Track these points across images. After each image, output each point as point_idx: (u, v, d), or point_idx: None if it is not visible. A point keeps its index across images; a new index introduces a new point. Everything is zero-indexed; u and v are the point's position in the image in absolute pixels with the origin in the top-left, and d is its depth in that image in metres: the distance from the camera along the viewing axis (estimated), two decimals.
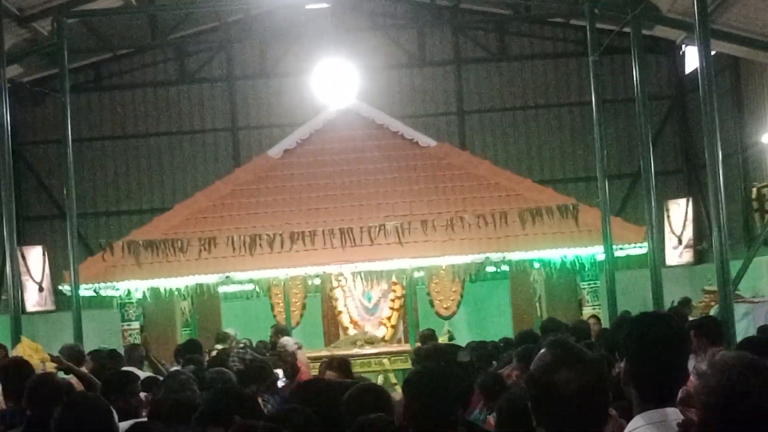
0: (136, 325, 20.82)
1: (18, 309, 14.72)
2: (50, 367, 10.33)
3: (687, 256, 26.96)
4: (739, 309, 15.25)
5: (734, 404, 3.27)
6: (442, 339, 17.87)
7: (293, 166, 22.15)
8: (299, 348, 16.76)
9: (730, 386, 3.28)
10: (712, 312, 18.08)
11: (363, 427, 5.19)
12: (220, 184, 22.55)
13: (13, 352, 12.57)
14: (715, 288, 16.40)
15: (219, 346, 17.84)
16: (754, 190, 23.86)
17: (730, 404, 3.27)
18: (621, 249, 19.49)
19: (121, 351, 19.25)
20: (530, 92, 29.16)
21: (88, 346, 17.62)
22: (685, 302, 18.29)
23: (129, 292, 20.43)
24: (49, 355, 11.08)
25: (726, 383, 3.29)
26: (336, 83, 24.37)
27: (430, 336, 15.46)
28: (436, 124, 28.13)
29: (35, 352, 11.88)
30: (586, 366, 3.53)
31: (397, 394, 17.06)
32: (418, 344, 17.21)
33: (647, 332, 4.06)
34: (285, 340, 16.45)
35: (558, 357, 3.58)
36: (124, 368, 10.17)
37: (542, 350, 3.64)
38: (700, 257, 26.92)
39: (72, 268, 17.20)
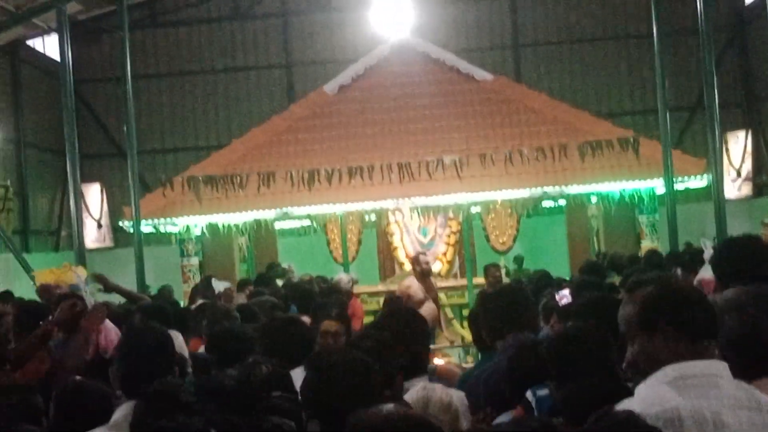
0: (195, 261, 20.98)
1: (82, 245, 14.84)
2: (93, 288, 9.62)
3: (746, 189, 26.78)
4: None
5: None
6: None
7: (349, 102, 22.09)
8: (355, 283, 16.87)
9: None
10: None
11: None
12: (277, 120, 22.55)
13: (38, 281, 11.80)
14: None
15: (278, 281, 17.96)
16: None
17: None
18: (681, 182, 19.32)
19: (181, 288, 19.56)
20: (586, 24, 28.88)
21: (148, 282, 17.86)
22: None
23: (188, 228, 20.55)
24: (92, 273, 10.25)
25: None
26: (391, 17, 24.22)
27: (493, 268, 15.49)
28: (492, 58, 27.95)
29: (63, 272, 11.30)
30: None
31: (455, 329, 17.11)
32: (478, 278, 17.31)
33: None
34: (340, 275, 16.55)
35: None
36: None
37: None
38: (759, 190, 26.70)
39: (133, 204, 17.31)
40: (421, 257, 14.34)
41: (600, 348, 4.45)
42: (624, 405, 3.50)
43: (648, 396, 3.35)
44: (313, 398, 4.20)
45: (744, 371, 3.80)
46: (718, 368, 3.50)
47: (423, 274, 13.82)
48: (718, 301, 3.97)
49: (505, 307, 5.75)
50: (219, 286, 13.88)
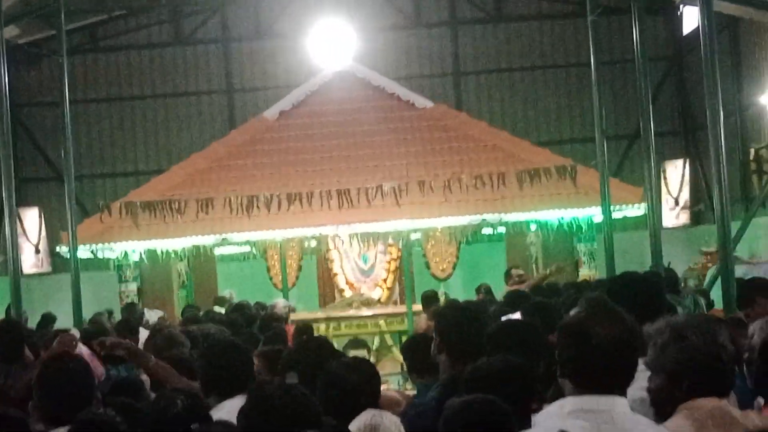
0: (133, 286, 20.88)
1: (17, 271, 14.67)
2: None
3: (683, 218, 27.04)
4: (737, 270, 15.26)
5: None
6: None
7: (289, 128, 22.08)
8: (291, 311, 16.85)
9: None
10: (709, 273, 18.12)
11: None
12: (217, 146, 22.49)
13: None
14: (711, 249, 16.46)
15: (218, 309, 17.89)
16: (752, 151, 23.88)
17: None
18: (618, 210, 19.48)
19: (118, 313, 19.39)
20: (527, 53, 29.08)
21: (86, 309, 17.72)
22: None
23: (126, 254, 20.40)
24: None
25: None
26: (332, 45, 24.30)
27: (433, 296, 15.49)
28: (432, 86, 28.03)
29: None
30: (621, 321, 3.59)
31: (394, 356, 17.07)
32: (416, 306, 17.33)
33: None
34: (276, 301, 16.54)
35: (594, 311, 3.65)
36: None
37: (578, 306, 3.73)
38: (696, 219, 26.98)
39: (70, 230, 17.16)
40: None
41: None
42: None
43: (552, 427, 3.38)
44: (248, 428, 4.18)
45: (691, 388, 3.93)
46: (614, 403, 3.54)
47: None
48: (661, 329, 4.08)
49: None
50: (152, 315, 13.76)
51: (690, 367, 4.01)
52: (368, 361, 5.73)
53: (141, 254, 20.33)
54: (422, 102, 22.55)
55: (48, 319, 17.34)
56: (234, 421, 4.68)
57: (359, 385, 5.19)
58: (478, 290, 17.05)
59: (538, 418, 3.68)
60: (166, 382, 6.61)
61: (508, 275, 16.60)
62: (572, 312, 3.69)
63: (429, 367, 6.31)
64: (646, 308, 4.62)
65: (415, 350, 6.62)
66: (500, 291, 17.13)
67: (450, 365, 5.36)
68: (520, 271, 16.58)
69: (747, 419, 3.90)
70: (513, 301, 9.91)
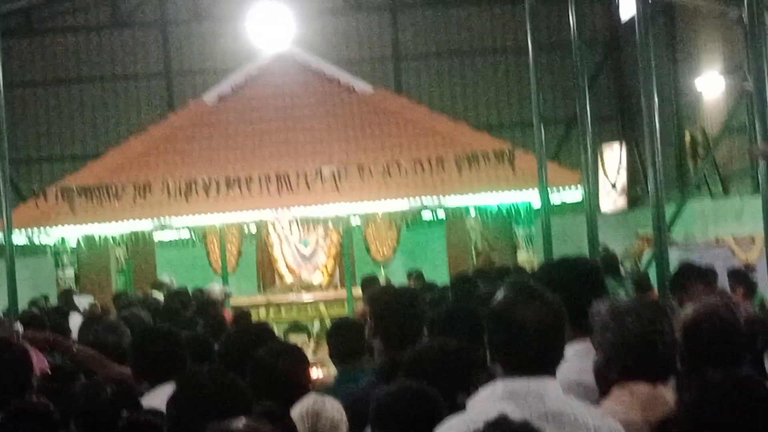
0: (70, 272, 20.66)
1: None
2: None
3: (621, 202, 27.26)
4: (672, 254, 15.43)
5: None
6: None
7: (228, 112, 21.98)
8: (228, 296, 16.78)
9: None
10: (645, 257, 18.30)
11: None
12: (154, 130, 22.34)
13: None
14: (648, 233, 16.60)
15: (156, 293, 17.77)
16: (688, 135, 24.13)
17: None
18: (556, 193, 19.60)
19: (54, 299, 19.21)
20: (466, 38, 29.15)
21: (22, 294, 17.49)
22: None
23: (63, 240, 20.22)
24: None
25: None
26: (271, 28, 24.19)
27: (372, 280, 15.46)
28: (372, 70, 28.01)
29: None
30: (545, 303, 3.62)
31: None
32: (356, 289, 17.35)
33: None
34: (212, 286, 16.45)
35: (518, 294, 3.67)
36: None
37: (502, 288, 3.74)
38: (633, 202, 27.21)
39: (5, 215, 16.92)
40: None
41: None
42: (455, 419, 3.59)
43: (486, 409, 3.40)
44: (177, 416, 4.15)
45: (628, 372, 4.00)
46: (545, 385, 3.58)
47: None
48: (602, 311, 4.12)
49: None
50: (83, 301, 13.62)
51: (622, 350, 4.05)
52: (297, 347, 5.70)
53: (78, 240, 20.15)
54: (362, 86, 22.54)
55: None
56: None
57: (287, 371, 5.18)
58: (409, 276, 17.04)
59: (470, 403, 3.70)
60: (95, 369, 6.57)
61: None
62: (497, 296, 3.70)
63: (351, 352, 6.35)
64: (586, 291, 4.65)
65: (337, 335, 6.61)
66: (439, 277, 17.24)
67: (384, 350, 5.34)
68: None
69: None
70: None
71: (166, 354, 6.01)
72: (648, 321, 4.09)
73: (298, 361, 5.32)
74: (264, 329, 6.31)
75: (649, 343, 4.07)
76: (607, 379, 4.13)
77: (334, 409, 4.82)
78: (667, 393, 4.08)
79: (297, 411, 4.71)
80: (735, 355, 4.85)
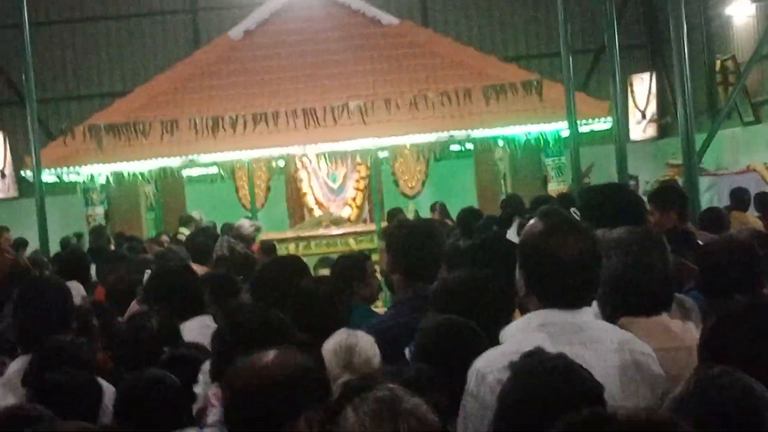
0: (100, 209, 20.73)
1: None
2: None
3: (651, 131, 27.07)
4: (703, 182, 15.34)
5: None
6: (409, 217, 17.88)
7: (254, 48, 21.87)
8: (258, 230, 16.79)
9: None
10: None
11: None
12: (181, 67, 22.27)
13: None
14: (678, 162, 16.46)
15: (183, 230, 17.85)
16: (718, 63, 23.85)
17: None
18: (585, 124, 19.47)
19: (86, 236, 19.32)
20: None
21: (53, 233, 17.60)
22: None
23: (92, 177, 20.27)
24: None
25: None
26: None
27: (397, 213, 15.46)
28: (398, 2, 27.74)
29: None
30: (582, 233, 3.58)
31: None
32: (384, 223, 17.32)
33: None
34: (241, 221, 16.47)
35: (554, 224, 3.63)
36: None
37: (535, 219, 3.69)
38: (663, 131, 27.02)
39: (34, 153, 16.96)
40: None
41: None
42: (492, 352, 3.56)
43: (523, 341, 3.37)
44: (222, 350, 4.18)
45: (621, 308, 3.90)
46: (582, 314, 3.55)
47: None
48: (604, 239, 4.01)
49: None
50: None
51: (609, 287, 3.90)
52: (336, 279, 5.70)
53: (107, 177, 20.21)
54: (388, 19, 22.37)
55: (20, 243, 17.32)
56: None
57: (329, 299, 5.15)
58: (432, 208, 16.97)
59: (505, 333, 3.67)
60: None
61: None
62: (529, 226, 3.65)
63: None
64: (626, 217, 4.60)
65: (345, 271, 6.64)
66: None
67: (405, 284, 5.27)
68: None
69: (686, 333, 3.88)
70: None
71: (190, 290, 6.06)
72: (635, 255, 3.95)
73: (339, 291, 5.29)
74: (298, 261, 6.27)
75: (635, 280, 3.93)
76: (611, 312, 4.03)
77: (367, 343, 4.74)
78: (673, 322, 3.98)
79: (330, 345, 4.59)
80: (754, 281, 4.82)
